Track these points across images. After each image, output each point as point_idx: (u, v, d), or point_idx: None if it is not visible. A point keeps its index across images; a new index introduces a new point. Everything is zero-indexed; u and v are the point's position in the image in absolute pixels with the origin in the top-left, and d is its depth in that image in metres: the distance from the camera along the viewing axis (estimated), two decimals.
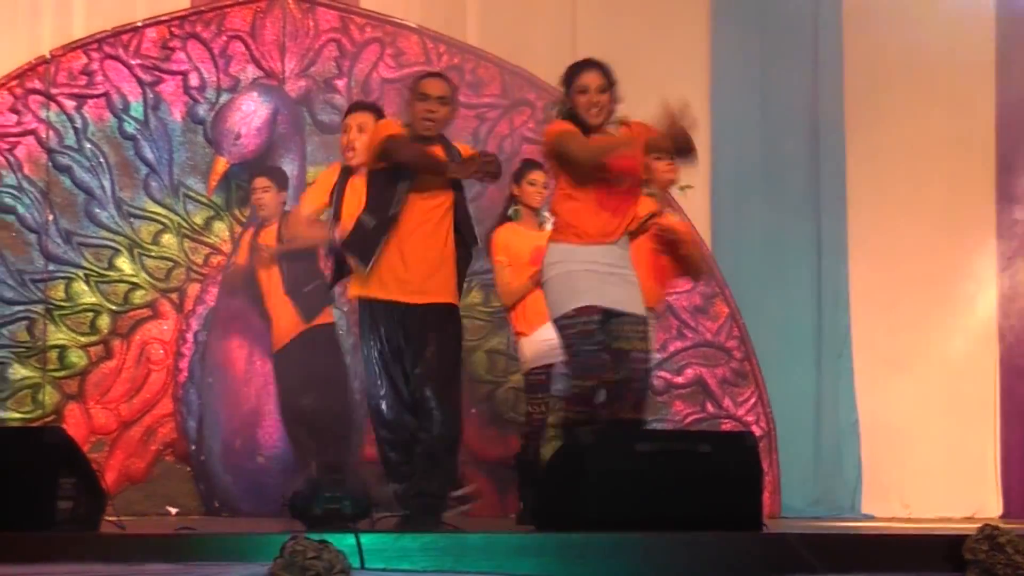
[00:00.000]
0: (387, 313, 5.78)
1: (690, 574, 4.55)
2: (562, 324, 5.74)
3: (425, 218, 5.77)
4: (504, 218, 7.05)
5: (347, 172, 6.53)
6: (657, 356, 8.03)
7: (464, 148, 6.08)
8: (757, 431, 8.13)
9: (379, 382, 5.80)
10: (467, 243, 5.93)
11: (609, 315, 5.73)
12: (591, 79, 5.84)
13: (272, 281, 7.67)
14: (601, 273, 5.72)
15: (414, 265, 5.76)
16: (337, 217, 6.30)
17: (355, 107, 7.06)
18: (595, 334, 5.73)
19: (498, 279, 7.05)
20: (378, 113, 6.74)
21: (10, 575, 4.33)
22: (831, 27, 8.90)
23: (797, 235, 8.82)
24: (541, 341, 6.72)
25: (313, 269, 7.65)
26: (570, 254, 5.76)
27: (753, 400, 8.34)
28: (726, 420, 8.18)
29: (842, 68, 8.94)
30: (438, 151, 5.86)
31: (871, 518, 8.48)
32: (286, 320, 7.67)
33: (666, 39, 8.75)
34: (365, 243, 5.79)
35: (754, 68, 8.85)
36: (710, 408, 8.29)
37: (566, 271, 5.74)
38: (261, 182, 7.77)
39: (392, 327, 5.78)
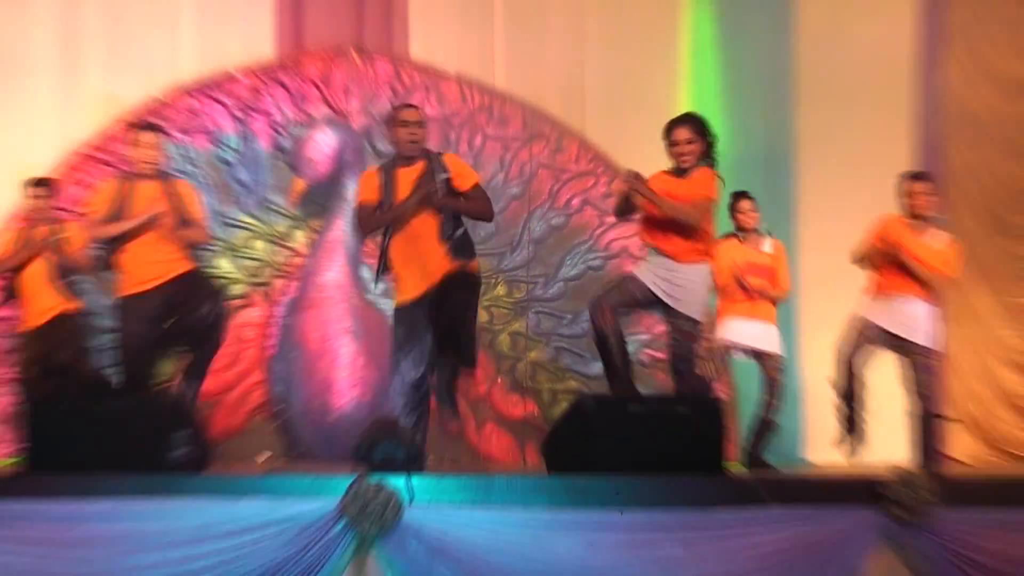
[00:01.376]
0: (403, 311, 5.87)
1: (670, 508, 4.60)
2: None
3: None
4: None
5: (130, 178, 6.33)
6: (646, 337, 8.11)
7: (448, 156, 6.05)
8: (722, 396, 8.15)
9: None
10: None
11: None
12: (679, 133, 5.85)
13: None
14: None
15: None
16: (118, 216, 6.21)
17: (145, 127, 6.43)
18: None
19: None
20: (158, 133, 6.39)
21: (135, 510, 4.42)
22: (784, 71, 8.78)
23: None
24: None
25: None
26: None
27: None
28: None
29: (795, 101, 8.81)
30: (421, 164, 5.81)
31: (811, 464, 8.45)
32: None
33: (653, 83, 8.74)
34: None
35: (726, 96, 8.74)
36: (705, 377, 8.30)
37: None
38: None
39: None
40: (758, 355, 7.03)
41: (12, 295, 6.91)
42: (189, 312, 6.25)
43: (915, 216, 6.57)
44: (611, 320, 5.87)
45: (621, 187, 6.00)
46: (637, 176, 5.78)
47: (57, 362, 7.08)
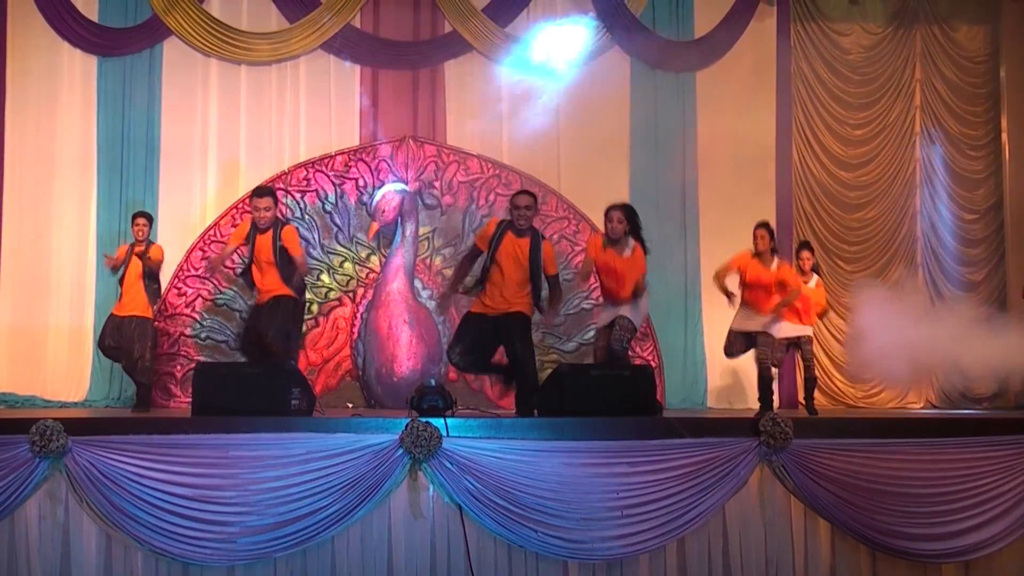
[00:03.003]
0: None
1: (621, 437, 4.52)
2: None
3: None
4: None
5: (255, 229, 6.03)
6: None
7: (546, 243, 5.64)
8: (653, 364, 8.11)
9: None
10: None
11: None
12: (614, 215, 5.77)
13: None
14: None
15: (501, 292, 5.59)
16: (252, 254, 6.01)
17: (257, 194, 6.10)
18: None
19: None
20: (273, 196, 6.11)
21: (265, 441, 4.35)
22: (690, 144, 8.73)
23: (674, 248, 8.53)
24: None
25: None
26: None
27: (651, 347, 8.30)
28: (637, 358, 8.16)
29: (696, 164, 8.73)
30: (528, 240, 5.54)
31: (711, 409, 8.41)
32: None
33: (606, 160, 8.66)
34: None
35: (650, 173, 8.66)
36: (629, 353, 8.23)
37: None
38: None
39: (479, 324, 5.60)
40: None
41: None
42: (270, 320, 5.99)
43: (758, 252, 6.51)
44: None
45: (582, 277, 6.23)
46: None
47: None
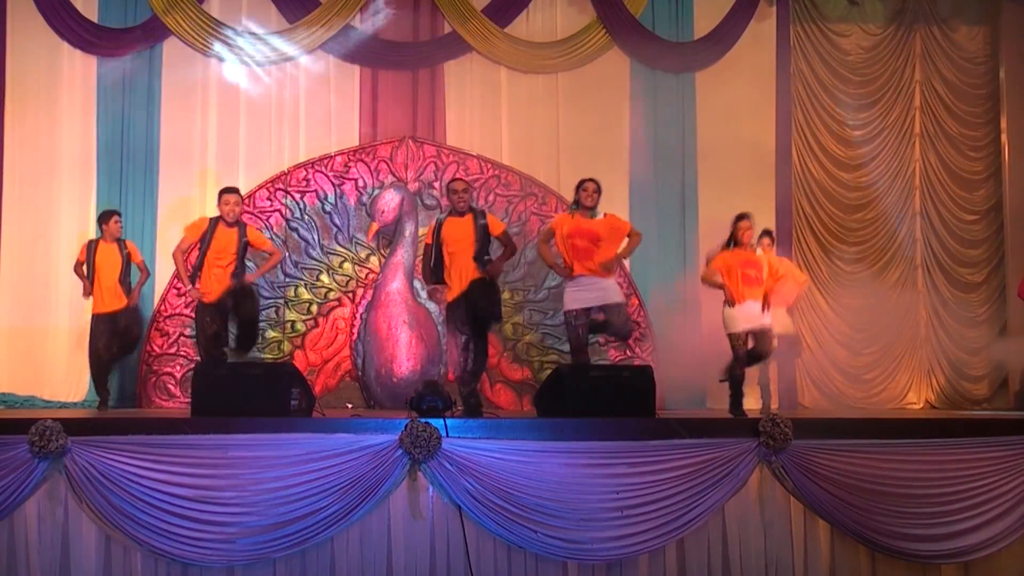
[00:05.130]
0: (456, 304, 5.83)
1: (620, 438, 4.53)
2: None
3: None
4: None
5: (216, 222, 6.25)
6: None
7: (491, 218, 6.06)
8: (653, 364, 8.07)
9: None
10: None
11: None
12: (590, 185, 6.10)
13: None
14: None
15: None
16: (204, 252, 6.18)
17: (228, 191, 6.34)
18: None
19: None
20: (238, 194, 6.35)
21: (264, 441, 4.37)
22: (690, 145, 8.71)
23: (674, 248, 8.55)
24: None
25: None
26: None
27: (650, 348, 8.29)
28: (636, 359, 8.14)
29: (696, 164, 8.71)
30: (470, 216, 5.92)
31: (712, 409, 8.34)
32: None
33: (606, 159, 8.61)
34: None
35: (650, 174, 8.64)
36: (628, 353, 8.24)
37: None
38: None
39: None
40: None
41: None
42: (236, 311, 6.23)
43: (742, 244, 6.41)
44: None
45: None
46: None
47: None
